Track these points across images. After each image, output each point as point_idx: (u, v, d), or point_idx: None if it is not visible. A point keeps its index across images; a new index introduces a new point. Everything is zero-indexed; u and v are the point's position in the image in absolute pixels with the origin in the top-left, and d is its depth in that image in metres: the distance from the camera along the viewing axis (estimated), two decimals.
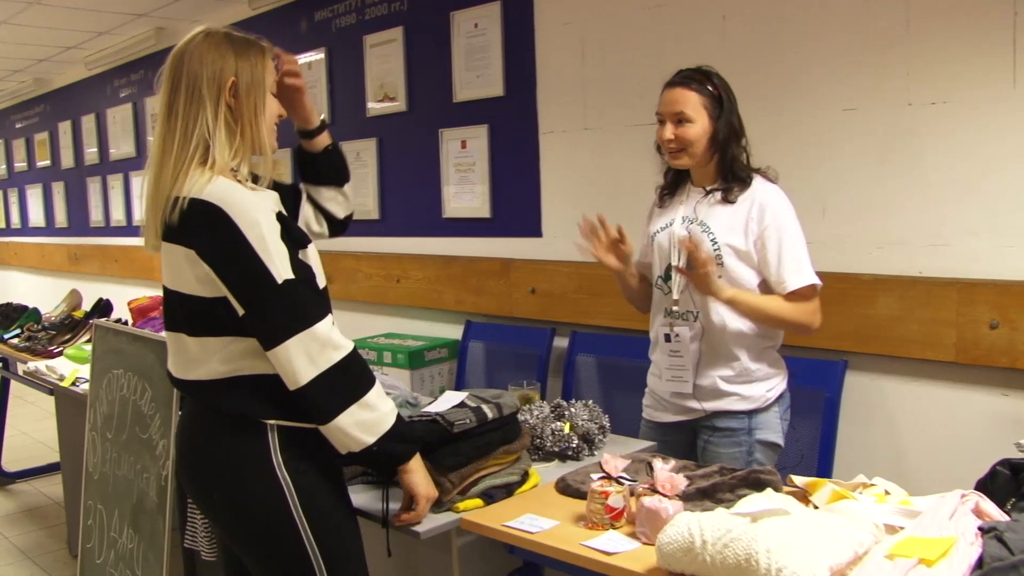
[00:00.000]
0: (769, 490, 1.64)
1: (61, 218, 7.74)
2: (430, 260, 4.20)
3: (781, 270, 2.19)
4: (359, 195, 4.57)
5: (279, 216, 1.72)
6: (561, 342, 3.65)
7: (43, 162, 7.94)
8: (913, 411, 2.67)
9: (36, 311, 4.68)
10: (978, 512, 1.52)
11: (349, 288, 4.63)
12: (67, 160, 7.48)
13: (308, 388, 1.65)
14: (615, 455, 1.74)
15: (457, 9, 3.95)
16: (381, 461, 1.75)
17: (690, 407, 2.30)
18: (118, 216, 6.80)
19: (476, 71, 3.90)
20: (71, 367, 3.55)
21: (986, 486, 2.03)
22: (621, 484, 1.68)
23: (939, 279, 2.55)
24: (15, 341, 4.29)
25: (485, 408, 1.89)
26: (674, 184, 2.39)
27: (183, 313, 1.74)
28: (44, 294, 7.33)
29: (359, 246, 4.59)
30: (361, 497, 1.92)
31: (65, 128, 7.46)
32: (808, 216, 2.81)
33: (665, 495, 1.61)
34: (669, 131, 2.23)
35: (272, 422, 1.71)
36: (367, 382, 1.71)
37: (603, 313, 3.43)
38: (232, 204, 1.65)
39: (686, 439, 2.36)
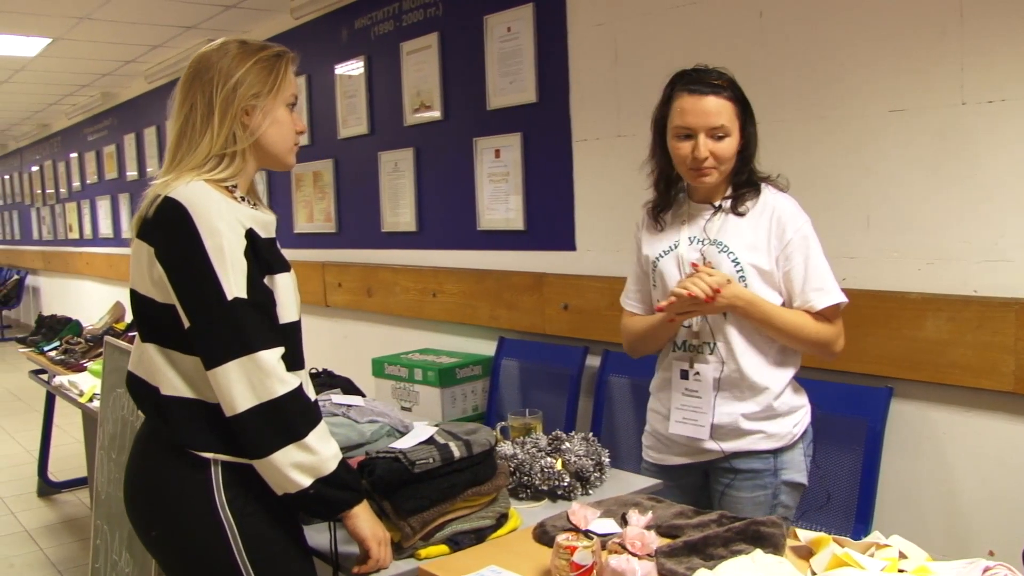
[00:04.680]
0: (758, 552, 1.42)
1: (127, 229, 7.87)
2: (465, 274, 4.04)
3: (807, 288, 1.96)
4: (397, 207, 4.45)
5: (250, 233, 1.60)
6: (594, 360, 3.45)
7: (111, 174, 8.10)
8: (965, 445, 2.38)
9: (77, 323, 4.70)
10: None
11: (387, 302, 4.50)
12: (132, 172, 7.59)
13: (244, 417, 1.53)
14: (584, 504, 1.54)
15: (490, 13, 3.79)
16: (319, 507, 1.59)
17: (705, 448, 2.01)
18: None
19: (509, 77, 3.73)
20: (92, 382, 3.50)
21: None
22: (590, 538, 1.48)
23: (996, 299, 2.27)
24: (52, 353, 4.29)
25: (452, 446, 1.70)
26: (665, 199, 2.09)
27: (138, 314, 1.68)
28: (111, 304, 7.43)
29: (397, 259, 4.47)
30: (317, 538, 1.75)
31: (130, 141, 7.58)
32: (851, 228, 2.57)
33: (635, 554, 1.40)
34: (705, 147, 1.90)
35: (214, 456, 1.59)
36: (309, 422, 1.57)
37: None
38: (198, 207, 1.56)
39: (697, 482, 2.09)
